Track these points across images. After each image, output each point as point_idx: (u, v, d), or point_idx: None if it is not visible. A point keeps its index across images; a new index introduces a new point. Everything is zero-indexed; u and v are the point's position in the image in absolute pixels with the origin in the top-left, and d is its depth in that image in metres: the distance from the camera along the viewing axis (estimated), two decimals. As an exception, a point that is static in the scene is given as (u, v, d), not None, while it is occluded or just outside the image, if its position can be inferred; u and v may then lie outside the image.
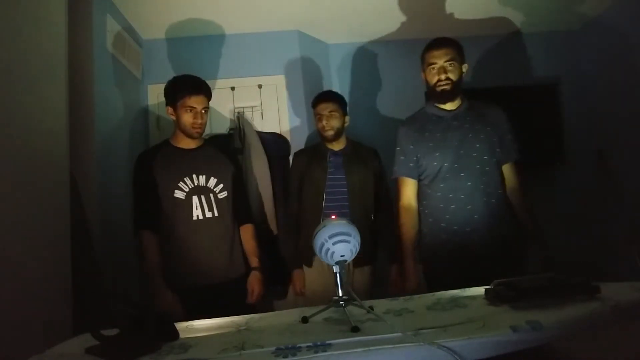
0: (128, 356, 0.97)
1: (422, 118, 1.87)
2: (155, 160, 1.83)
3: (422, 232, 1.84)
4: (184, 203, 1.81)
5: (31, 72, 1.38)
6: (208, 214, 1.84)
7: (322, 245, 1.16)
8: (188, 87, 1.83)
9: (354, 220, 1.29)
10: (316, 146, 2.21)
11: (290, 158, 2.47)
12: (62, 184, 1.51)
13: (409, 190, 1.84)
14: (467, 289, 1.35)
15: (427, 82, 1.82)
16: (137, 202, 1.85)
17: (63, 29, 1.56)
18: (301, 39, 2.89)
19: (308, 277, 2.09)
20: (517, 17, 2.96)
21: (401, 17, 2.82)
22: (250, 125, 2.59)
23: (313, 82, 2.91)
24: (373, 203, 2.12)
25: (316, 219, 1.93)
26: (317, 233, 1.18)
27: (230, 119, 2.71)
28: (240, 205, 1.99)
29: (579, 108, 3.11)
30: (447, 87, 1.74)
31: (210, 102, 1.91)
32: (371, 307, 1.17)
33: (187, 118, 1.83)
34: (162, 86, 1.92)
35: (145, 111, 2.73)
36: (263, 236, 2.25)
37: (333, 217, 1.24)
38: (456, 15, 2.83)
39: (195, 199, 1.83)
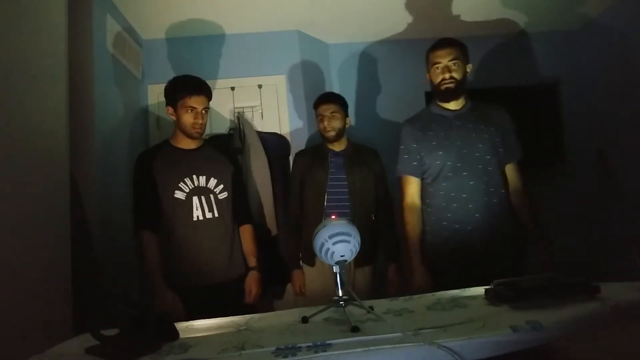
0: (128, 356, 0.97)
1: (425, 117, 1.88)
2: (155, 160, 1.83)
3: (424, 231, 1.85)
4: (185, 203, 1.81)
5: (31, 72, 1.38)
6: (208, 215, 1.84)
7: (322, 245, 1.16)
8: (188, 87, 1.83)
9: (354, 221, 1.29)
10: (317, 147, 2.22)
11: (291, 158, 2.47)
12: (62, 184, 1.51)
13: (412, 189, 1.85)
14: (467, 289, 1.35)
15: (431, 81, 1.83)
16: (137, 202, 1.85)
17: (63, 29, 1.56)
18: (301, 39, 2.89)
19: (309, 277, 2.09)
20: (517, 18, 2.96)
21: (401, 18, 2.82)
22: (250, 125, 2.59)
23: (313, 82, 2.91)
24: (374, 203, 2.13)
25: (318, 219, 1.93)
26: (317, 233, 1.19)
27: (230, 119, 2.71)
28: (240, 205, 1.99)
29: (579, 108, 3.11)
30: (451, 86, 1.75)
31: (210, 102, 1.91)
32: (371, 307, 1.17)
33: (187, 118, 1.83)
34: (162, 86, 1.93)
35: (145, 111, 2.73)
36: (262, 236, 2.25)
37: (333, 217, 1.24)
38: (456, 16, 2.84)
39: (195, 199, 1.83)
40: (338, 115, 2.09)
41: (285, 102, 2.81)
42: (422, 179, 1.85)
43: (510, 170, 1.81)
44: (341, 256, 1.16)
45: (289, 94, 2.82)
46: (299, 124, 2.81)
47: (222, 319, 1.29)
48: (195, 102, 1.83)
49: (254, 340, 1.01)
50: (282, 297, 2.46)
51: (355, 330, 1.00)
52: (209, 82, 1.92)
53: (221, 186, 1.90)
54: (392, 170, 1.95)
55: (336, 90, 2.60)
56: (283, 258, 2.31)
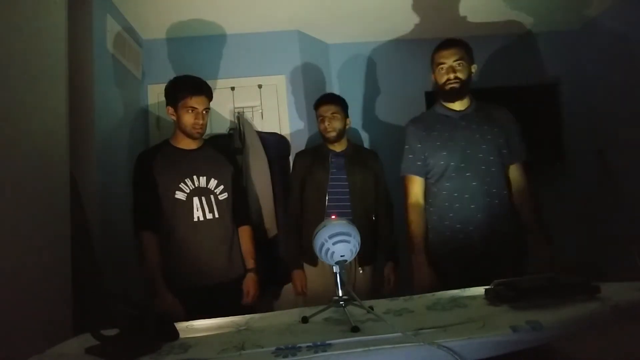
0: (128, 356, 0.97)
1: (430, 117, 1.88)
2: (156, 161, 1.83)
3: (427, 230, 1.85)
4: (185, 204, 1.81)
5: (31, 72, 1.38)
6: (209, 215, 1.84)
7: (322, 245, 1.16)
8: (189, 87, 1.83)
9: (355, 221, 1.29)
10: (318, 147, 2.22)
11: (291, 158, 2.47)
12: (62, 184, 1.51)
13: (416, 188, 1.85)
14: (467, 289, 1.35)
15: (436, 82, 1.83)
16: (137, 202, 1.85)
17: (63, 29, 1.56)
18: (301, 39, 2.89)
19: (310, 277, 2.09)
20: (517, 18, 2.96)
21: (401, 18, 2.82)
22: (250, 125, 2.59)
23: (313, 82, 2.91)
24: (374, 203, 2.14)
25: (319, 219, 1.91)
26: (317, 233, 1.19)
27: (230, 119, 2.71)
28: (239, 206, 2.00)
29: (579, 108, 3.11)
30: (456, 85, 1.76)
31: (210, 103, 1.91)
32: (371, 307, 1.17)
33: (188, 118, 1.83)
34: (162, 86, 1.93)
35: (145, 111, 2.73)
36: (261, 237, 2.25)
37: (333, 217, 1.24)
38: (457, 16, 2.83)
39: (196, 200, 1.83)
40: (338, 116, 2.10)
41: (285, 102, 2.81)
42: (426, 179, 1.85)
43: (514, 170, 1.81)
44: (341, 256, 1.15)
45: (289, 94, 2.81)
46: (299, 124, 2.81)
47: (222, 319, 1.29)
48: (196, 102, 1.82)
49: (254, 340, 1.01)
50: (278, 298, 2.46)
51: (355, 330, 1.00)
52: (209, 82, 1.92)
53: (221, 187, 1.90)
54: (392, 169, 1.95)
55: (336, 91, 2.61)
56: (281, 258, 2.32)
